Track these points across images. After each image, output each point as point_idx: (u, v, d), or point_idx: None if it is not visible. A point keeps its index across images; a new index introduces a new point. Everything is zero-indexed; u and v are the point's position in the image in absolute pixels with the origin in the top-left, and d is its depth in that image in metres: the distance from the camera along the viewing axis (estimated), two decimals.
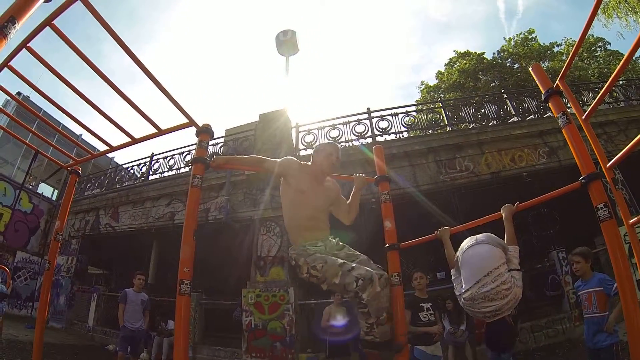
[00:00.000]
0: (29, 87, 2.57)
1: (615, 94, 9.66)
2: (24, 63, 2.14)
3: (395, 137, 9.20)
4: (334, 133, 9.38)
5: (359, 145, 8.99)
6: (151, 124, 2.70)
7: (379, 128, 9.25)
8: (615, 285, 3.61)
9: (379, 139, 9.14)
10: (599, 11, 11.56)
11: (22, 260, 11.97)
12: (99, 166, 17.34)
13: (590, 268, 3.92)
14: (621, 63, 1.92)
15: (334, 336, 6.50)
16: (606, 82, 2.10)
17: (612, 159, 2.13)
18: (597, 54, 21.65)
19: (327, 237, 2.69)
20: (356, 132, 9.31)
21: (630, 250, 2.22)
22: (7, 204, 12.40)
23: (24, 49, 2.12)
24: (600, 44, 21.48)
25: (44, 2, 1.69)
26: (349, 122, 9.45)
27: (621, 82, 10.21)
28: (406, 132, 9.46)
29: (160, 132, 2.75)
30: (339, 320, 6.59)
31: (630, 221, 2.03)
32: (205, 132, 2.69)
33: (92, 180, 13.49)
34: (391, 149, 8.47)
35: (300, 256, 2.57)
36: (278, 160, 2.70)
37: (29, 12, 1.61)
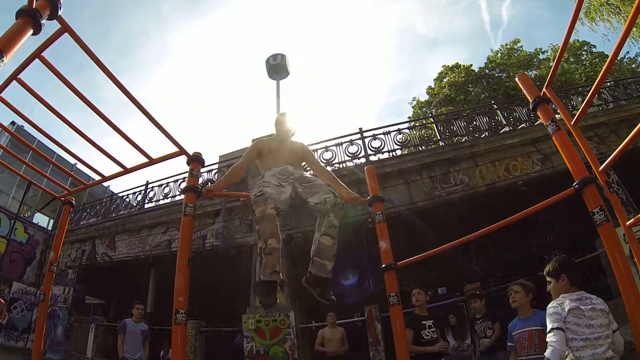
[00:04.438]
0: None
1: (603, 96, 9.79)
2: (19, 92, 2.14)
3: (389, 155, 9.19)
4: (327, 155, 9.36)
5: (352, 166, 8.96)
6: (142, 154, 2.70)
7: (372, 147, 9.25)
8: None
9: (372, 158, 9.15)
10: (582, 15, 11.76)
11: (18, 291, 11.76)
12: (94, 195, 17.23)
13: (531, 305, 3.55)
14: (605, 65, 1.94)
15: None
16: (593, 85, 2.12)
17: (604, 162, 2.13)
18: (583, 57, 22.04)
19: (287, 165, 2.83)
20: (349, 152, 9.30)
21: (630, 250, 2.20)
22: (3, 234, 12.25)
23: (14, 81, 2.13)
24: (585, 47, 21.86)
25: (32, 35, 1.70)
26: (341, 144, 9.47)
27: (608, 84, 10.33)
28: (399, 150, 9.45)
29: (152, 162, 2.75)
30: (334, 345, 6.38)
31: (627, 223, 2.04)
32: (196, 161, 2.70)
33: (88, 210, 13.39)
34: (385, 168, 8.49)
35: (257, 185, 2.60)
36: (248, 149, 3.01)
37: (17, 45, 1.61)
